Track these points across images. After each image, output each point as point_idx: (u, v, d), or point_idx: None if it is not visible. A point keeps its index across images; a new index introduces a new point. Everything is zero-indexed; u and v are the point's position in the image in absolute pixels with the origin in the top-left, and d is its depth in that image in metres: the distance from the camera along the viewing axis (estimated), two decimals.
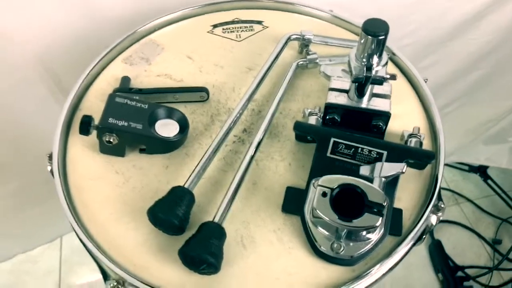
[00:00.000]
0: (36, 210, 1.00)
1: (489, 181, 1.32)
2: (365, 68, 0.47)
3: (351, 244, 0.44)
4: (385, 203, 0.42)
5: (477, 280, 1.16)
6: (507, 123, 1.11)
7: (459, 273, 1.17)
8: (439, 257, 1.20)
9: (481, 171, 1.32)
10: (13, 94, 0.74)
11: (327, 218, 0.42)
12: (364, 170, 0.46)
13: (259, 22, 0.67)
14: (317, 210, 0.43)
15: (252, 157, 0.50)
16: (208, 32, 0.65)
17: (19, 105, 0.77)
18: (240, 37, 0.65)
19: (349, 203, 0.43)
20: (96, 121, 0.49)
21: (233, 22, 0.66)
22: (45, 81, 0.75)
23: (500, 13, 0.85)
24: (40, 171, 0.90)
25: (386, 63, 0.48)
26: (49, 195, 0.96)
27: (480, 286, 1.15)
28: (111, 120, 0.47)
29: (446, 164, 0.50)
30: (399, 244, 0.46)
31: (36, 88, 0.75)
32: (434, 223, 0.49)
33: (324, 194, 0.43)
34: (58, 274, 1.19)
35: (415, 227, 0.46)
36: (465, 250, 1.24)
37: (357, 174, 0.46)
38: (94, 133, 0.49)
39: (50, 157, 0.50)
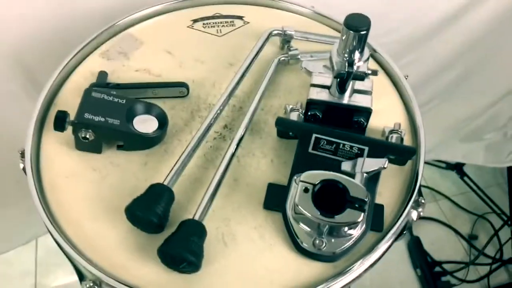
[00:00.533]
0: (9, 211, 0.97)
1: (466, 178, 1.34)
2: (346, 64, 0.47)
3: (333, 240, 0.44)
4: (367, 199, 0.42)
5: (454, 275, 1.18)
6: (482, 121, 1.13)
7: (437, 269, 1.19)
8: (417, 253, 1.22)
9: (458, 168, 1.35)
10: None
11: (309, 214, 0.42)
12: (346, 165, 0.46)
13: (240, 17, 0.66)
14: (299, 206, 0.42)
15: (233, 154, 0.49)
16: (188, 27, 0.64)
17: None
18: (220, 32, 0.64)
19: (331, 199, 0.43)
20: (72, 116, 0.47)
21: (213, 17, 0.65)
22: (17, 76, 0.72)
23: (477, 12, 0.87)
24: (11, 169, 0.87)
25: (368, 58, 0.48)
26: (22, 195, 0.93)
27: (457, 281, 1.18)
28: (87, 115, 0.46)
29: (424, 162, 0.50)
30: (380, 240, 0.46)
31: (6, 82, 0.73)
32: (414, 219, 0.49)
33: (306, 190, 0.43)
34: (34, 276, 1.15)
35: (396, 222, 0.46)
36: (443, 246, 1.26)
37: (338, 170, 0.46)
38: (69, 129, 0.48)
39: (23, 154, 0.48)
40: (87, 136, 0.46)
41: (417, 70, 0.98)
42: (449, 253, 1.25)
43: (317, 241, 0.44)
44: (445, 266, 1.20)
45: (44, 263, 1.17)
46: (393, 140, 0.51)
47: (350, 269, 0.44)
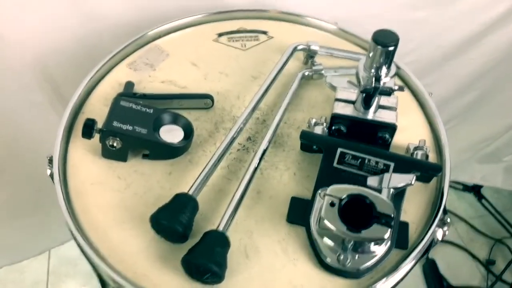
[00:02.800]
0: (25, 222, 0.97)
1: (483, 201, 1.32)
2: (373, 79, 0.47)
3: (357, 256, 0.43)
4: (394, 215, 0.42)
5: None
6: (501, 143, 1.12)
7: None
8: (433, 276, 1.20)
9: (475, 190, 1.32)
10: (8, 99, 0.73)
11: (335, 229, 0.41)
12: (372, 180, 0.45)
13: (264, 32, 0.67)
14: (325, 220, 0.42)
15: (256, 166, 0.49)
16: (213, 40, 0.65)
17: (14, 111, 0.75)
18: (245, 46, 0.65)
19: (357, 214, 0.42)
20: (99, 125, 0.48)
21: (238, 31, 0.66)
22: (43, 87, 0.73)
23: (500, 33, 0.86)
24: (32, 180, 0.88)
25: (395, 74, 0.48)
26: (39, 206, 0.94)
27: None
28: (115, 123, 0.46)
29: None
30: (405, 258, 0.45)
31: (33, 93, 0.74)
32: (440, 238, 0.48)
33: (332, 204, 0.42)
34: (45, 285, 1.15)
35: (421, 240, 0.46)
36: (459, 270, 1.23)
37: (364, 185, 0.45)
38: (96, 137, 0.48)
39: (50, 161, 0.48)
40: (115, 144, 0.47)
41: (436, 91, 0.98)
42: (465, 277, 1.22)
43: (342, 257, 0.43)
44: None
45: (56, 273, 1.17)
46: (418, 157, 0.51)
47: (373, 286, 0.43)
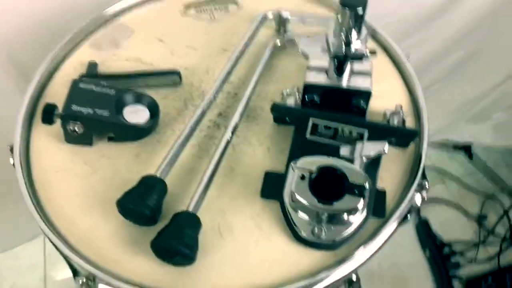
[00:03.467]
0: (17, 207, 0.96)
1: (474, 159, 1.33)
2: (343, 44, 0.45)
3: (333, 228, 0.43)
4: (367, 184, 0.41)
5: (464, 256, 1.17)
6: (489, 101, 1.11)
7: (446, 250, 1.19)
8: (425, 234, 1.22)
9: (466, 149, 1.33)
10: None
11: (306, 202, 0.40)
12: (345, 150, 0.44)
13: (234, 2, 0.64)
14: (296, 194, 0.41)
15: (228, 142, 0.48)
16: (180, 13, 0.62)
17: None
18: (214, 17, 0.62)
19: (329, 185, 0.41)
20: (60, 109, 0.46)
21: (206, 2, 0.63)
22: (6, 68, 0.71)
23: None
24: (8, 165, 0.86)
25: (366, 38, 0.46)
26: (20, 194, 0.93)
27: (466, 261, 1.17)
28: (74, 107, 0.45)
29: (430, 144, 0.49)
30: (382, 225, 0.44)
31: None
32: (418, 203, 0.47)
33: (302, 177, 0.41)
34: (43, 269, 1.16)
35: (399, 207, 0.45)
36: (452, 227, 1.25)
37: (338, 155, 0.44)
38: (58, 123, 0.46)
39: (12, 149, 0.46)
40: (76, 129, 0.45)
41: (420, 52, 0.96)
42: (458, 234, 1.23)
43: (316, 230, 0.42)
44: (454, 247, 1.19)
45: (53, 255, 1.18)
46: (395, 123, 0.49)
47: (351, 256, 0.42)
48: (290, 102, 0.50)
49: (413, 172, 0.48)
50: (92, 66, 0.54)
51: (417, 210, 1.03)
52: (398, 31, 0.90)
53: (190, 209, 0.42)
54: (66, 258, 0.42)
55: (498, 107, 1.12)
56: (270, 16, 0.59)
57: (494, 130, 1.19)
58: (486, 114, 1.15)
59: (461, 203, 1.29)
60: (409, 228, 1.23)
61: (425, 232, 1.22)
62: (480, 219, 1.25)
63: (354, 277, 0.43)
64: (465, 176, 1.34)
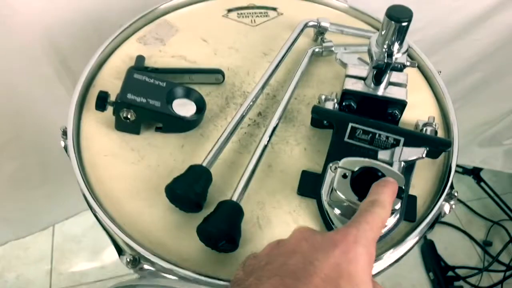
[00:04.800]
0: (31, 195, 0.98)
1: (482, 184, 1.34)
2: (386, 55, 0.47)
3: None
4: (405, 187, 0.42)
5: (467, 281, 1.17)
6: (503, 126, 1.12)
7: (450, 273, 1.19)
8: (431, 256, 1.22)
9: (475, 173, 1.34)
10: (16, 71, 0.72)
11: (347, 199, 0.42)
12: (383, 154, 0.46)
13: (274, 9, 0.66)
14: (337, 191, 0.42)
15: (268, 140, 0.50)
16: (222, 16, 0.65)
17: (22, 83, 0.75)
18: (255, 22, 0.65)
19: (368, 186, 0.43)
20: (112, 98, 0.48)
21: (248, 7, 0.66)
22: (49, 57, 0.73)
23: (506, 14, 0.86)
24: (38, 153, 0.88)
25: (407, 50, 0.48)
26: (45, 179, 0.95)
27: (470, 287, 1.17)
28: (129, 95, 0.47)
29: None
30: (413, 229, 0.46)
31: (41, 67, 0.74)
32: (447, 211, 0.49)
33: (344, 176, 0.43)
34: (50, 262, 1.17)
35: (429, 213, 0.47)
36: (457, 251, 1.26)
37: (374, 159, 0.46)
38: (108, 111, 0.49)
39: (64, 133, 0.48)
40: (129, 116, 0.47)
41: (442, 72, 0.98)
42: (462, 258, 1.24)
43: None
44: (458, 271, 1.19)
45: (60, 249, 1.19)
46: (428, 133, 0.51)
47: (381, 257, 0.44)
48: (329, 106, 0.52)
49: (442, 181, 0.50)
50: (140, 59, 0.56)
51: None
52: (421, 50, 0.93)
53: (234, 199, 0.44)
54: (112, 237, 0.44)
55: (510, 133, 1.14)
56: (311, 24, 0.61)
57: (505, 156, 1.20)
58: (498, 139, 1.17)
59: (467, 228, 1.30)
60: (415, 249, 1.23)
61: (430, 254, 1.22)
62: (485, 245, 1.26)
63: None
64: (472, 200, 1.35)
